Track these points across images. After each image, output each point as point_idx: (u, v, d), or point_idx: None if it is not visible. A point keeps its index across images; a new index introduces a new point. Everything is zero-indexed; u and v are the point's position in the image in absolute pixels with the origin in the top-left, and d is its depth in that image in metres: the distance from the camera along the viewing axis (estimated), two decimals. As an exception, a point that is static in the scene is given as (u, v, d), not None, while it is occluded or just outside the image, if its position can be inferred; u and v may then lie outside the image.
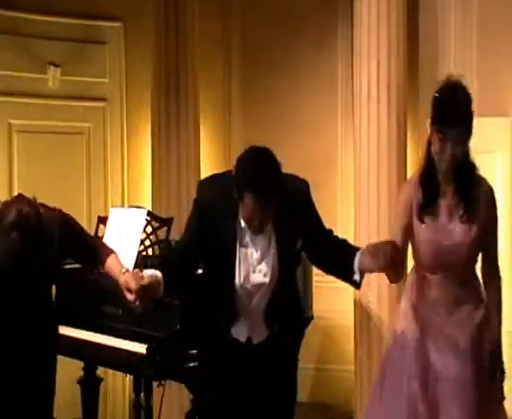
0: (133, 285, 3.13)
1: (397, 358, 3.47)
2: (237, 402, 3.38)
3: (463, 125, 3.32)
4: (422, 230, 3.41)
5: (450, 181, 3.39)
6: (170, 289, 3.27)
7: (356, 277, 3.25)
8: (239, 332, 3.35)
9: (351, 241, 5.33)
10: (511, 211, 5.19)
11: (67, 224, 3.46)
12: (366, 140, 5.30)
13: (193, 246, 3.32)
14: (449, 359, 3.37)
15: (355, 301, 5.24)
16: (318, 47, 6.87)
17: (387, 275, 3.37)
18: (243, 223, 3.22)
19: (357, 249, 3.31)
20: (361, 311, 5.30)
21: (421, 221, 3.40)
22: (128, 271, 3.35)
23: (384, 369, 3.55)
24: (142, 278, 3.12)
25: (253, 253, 3.27)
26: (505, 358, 3.46)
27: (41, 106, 6.39)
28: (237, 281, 3.26)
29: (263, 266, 3.28)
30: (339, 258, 3.32)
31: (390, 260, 3.12)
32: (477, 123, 4.32)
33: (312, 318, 4.66)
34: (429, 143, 3.40)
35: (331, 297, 6.20)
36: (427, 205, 3.39)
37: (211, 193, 3.29)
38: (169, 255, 3.83)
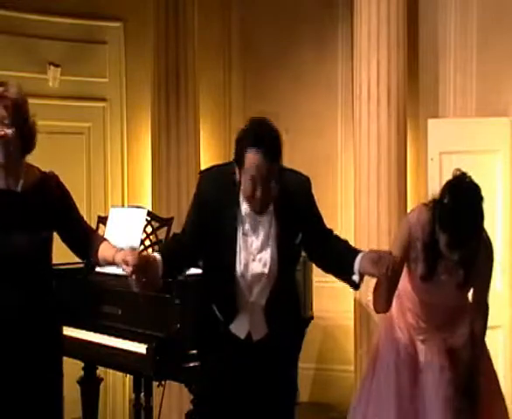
0: (130, 257, 3.07)
1: (388, 346, 3.63)
2: (237, 402, 3.38)
3: (474, 236, 3.33)
4: (418, 280, 3.51)
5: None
6: (169, 275, 3.28)
7: (355, 277, 3.26)
8: (239, 327, 3.34)
9: (351, 240, 5.37)
10: (511, 211, 5.19)
11: (62, 187, 3.42)
12: (366, 140, 5.30)
13: (193, 234, 3.33)
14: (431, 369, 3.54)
15: (355, 301, 5.24)
16: (318, 47, 6.87)
17: (376, 299, 3.49)
18: (243, 211, 3.24)
19: (358, 251, 3.32)
20: (361, 311, 5.30)
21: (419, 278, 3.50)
22: (123, 249, 3.33)
23: (375, 354, 3.71)
24: (139, 253, 3.12)
25: (254, 242, 3.27)
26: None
27: (41, 106, 6.34)
28: (237, 268, 3.27)
29: (263, 255, 3.28)
30: (339, 257, 3.33)
31: (391, 271, 3.13)
32: (477, 123, 4.32)
33: (312, 318, 4.67)
34: (434, 218, 3.38)
35: (331, 297, 6.20)
36: (428, 274, 3.46)
37: (212, 182, 3.32)
38: (168, 242, 3.85)
